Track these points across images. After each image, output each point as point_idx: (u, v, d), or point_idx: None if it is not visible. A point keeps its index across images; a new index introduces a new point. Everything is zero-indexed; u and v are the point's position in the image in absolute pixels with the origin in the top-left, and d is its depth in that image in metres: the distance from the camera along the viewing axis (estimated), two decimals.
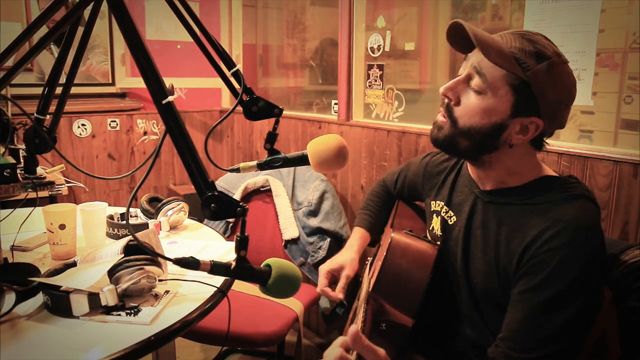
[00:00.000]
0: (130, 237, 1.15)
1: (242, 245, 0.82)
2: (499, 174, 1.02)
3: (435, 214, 1.18)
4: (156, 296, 1.05)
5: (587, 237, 0.89)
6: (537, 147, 1.00)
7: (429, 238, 1.19)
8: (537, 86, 0.91)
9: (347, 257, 1.28)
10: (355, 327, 0.75)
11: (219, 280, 1.11)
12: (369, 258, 1.40)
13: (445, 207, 1.15)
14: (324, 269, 1.26)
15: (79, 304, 0.96)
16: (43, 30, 0.88)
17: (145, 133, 3.01)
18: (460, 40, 0.97)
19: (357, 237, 1.37)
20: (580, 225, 0.90)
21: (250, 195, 2.27)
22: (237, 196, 2.21)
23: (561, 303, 0.88)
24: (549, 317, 0.88)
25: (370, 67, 2.19)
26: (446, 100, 0.99)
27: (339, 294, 1.20)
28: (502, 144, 0.96)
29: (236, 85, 0.97)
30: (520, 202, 0.99)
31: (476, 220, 1.06)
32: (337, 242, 2.06)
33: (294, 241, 2.10)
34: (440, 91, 0.99)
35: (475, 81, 0.94)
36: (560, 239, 0.89)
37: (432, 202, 1.20)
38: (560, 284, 0.88)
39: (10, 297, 0.94)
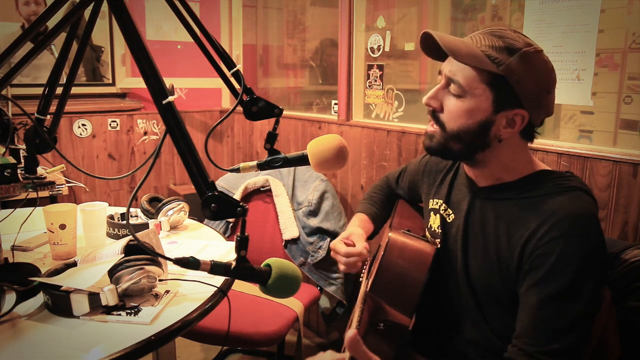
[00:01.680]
0: (130, 237, 1.15)
1: (242, 245, 0.82)
2: (495, 171, 1.03)
3: (433, 212, 1.18)
4: (156, 296, 1.05)
5: (585, 226, 0.90)
6: (529, 138, 1.01)
7: (428, 236, 1.19)
8: (513, 78, 0.92)
9: (351, 229, 1.28)
10: (353, 331, 0.75)
11: (219, 280, 1.12)
12: (368, 258, 1.40)
13: (444, 205, 1.16)
14: (336, 240, 1.23)
15: (80, 303, 0.96)
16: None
17: (145, 133, 3.01)
18: (435, 49, 0.99)
19: (358, 220, 1.36)
20: (578, 214, 0.91)
21: (251, 195, 2.27)
22: (237, 196, 2.21)
23: (573, 293, 0.88)
24: (563, 308, 0.88)
25: (370, 67, 2.19)
26: (430, 109, 1.01)
27: (359, 247, 1.17)
28: (492, 140, 0.98)
29: (236, 86, 0.98)
30: (517, 196, 1.00)
31: (474, 217, 1.06)
32: None
33: (294, 241, 2.10)
34: (423, 101, 1.02)
35: (453, 86, 0.97)
36: (559, 229, 0.90)
37: (430, 200, 1.21)
38: (567, 273, 0.88)
39: (10, 297, 0.95)
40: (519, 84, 0.92)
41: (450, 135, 0.98)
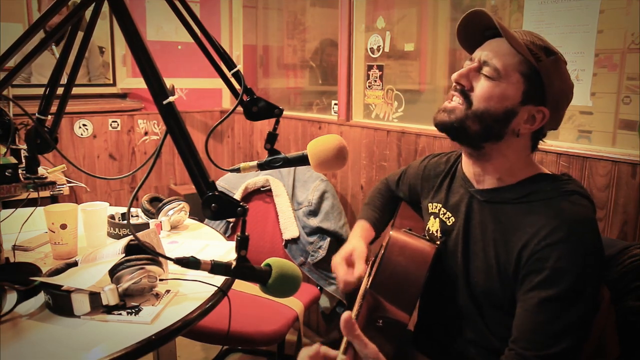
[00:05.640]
0: (131, 237, 1.15)
1: (242, 244, 0.83)
2: (497, 169, 1.03)
3: (433, 216, 1.19)
4: (157, 295, 1.06)
5: (583, 231, 0.91)
6: (535, 144, 1.03)
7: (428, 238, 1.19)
8: (546, 76, 0.95)
9: (353, 242, 1.27)
10: (348, 313, 0.75)
11: (219, 279, 1.12)
12: (370, 258, 1.40)
13: (442, 208, 1.16)
14: (337, 259, 1.23)
15: (80, 303, 0.96)
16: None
17: (146, 133, 3.01)
18: (473, 33, 1.01)
19: (359, 229, 1.35)
20: (576, 220, 0.92)
21: (251, 195, 2.27)
22: (237, 196, 2.22)
23: (570, 297, 0.89)
24: (560, 312, 0.89)
25: (370, 67, 2.20)
26: (459, 87, 1.01)
27: (359, 270, 1.17)
28: (509, 133, 0.99)
29: (237, 86, 0.98)
30: (515, 200, 1.00)
31: (474, 220, 1.07)
32: (337, 242, 2.07)
33: (294, 241, 2.10)
34: (453, 78, 1.01)
35: (487, 69, 0.98)
36: (557, 235, 0.90)
37: (429, 204, 1.21)
38: (564, 278, 0.89)
39: (12, 297, 0.95)
40: (550, 83, 0.95)
41: (474, 113, 0.98)
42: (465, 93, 1.00)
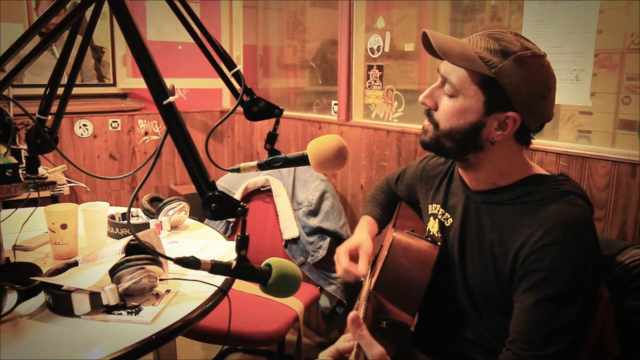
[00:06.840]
0: (131, 237, 1.15)
1: (242, 244, 0.83)
2: (489, 175, 1.03)
3: (432, 217, 1.19)
4: (157, 295, 1.06)
5: (578, 232, 0.90)
6: (524, 142, 1.00)
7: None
8: (505, 81, 0.92)
9: (361, 237, 1.26)
10: (355, 312, 0.75)
11: (219, 279, 1.12)
12: (370, 258, 1.40)
13: (441, 209, 1.16)
14: (342, 249, 1.22)
15: (81, 303, 0.96)
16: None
17: (146, 133, 3.02)
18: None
19: (365, 223, 1.35)
20: (572, 220, 0.91)
21: (251, 195, 2.27)
22: (237, 196, 2.22)
23: (566, 298, 0.89)
24: (557, 313, 0.89)
25: (369, 67, 2.20)
26: (426, 108, 1.02)
27: (362, 270, 1.16)
28: (484, 142, 0.98)
29: (237, 86, 0.98)
30: (511, 201, 1.00)
31: (470, 221, 1.07)
32: (337, 242, 2.07)
33: (294, 241, 2.10)
34: (419, 100, 1.03)
35: (447, 86, 0.98)
36: (553, 236, 0.90)
37: (429, 206, 1.21)
38: (560, 279, 0.89)
39: (12, 297, 0.95)
40: (510, 87, 0.92)
41: (443, 133, 0.99)
42: (431, 114, 1.02)
